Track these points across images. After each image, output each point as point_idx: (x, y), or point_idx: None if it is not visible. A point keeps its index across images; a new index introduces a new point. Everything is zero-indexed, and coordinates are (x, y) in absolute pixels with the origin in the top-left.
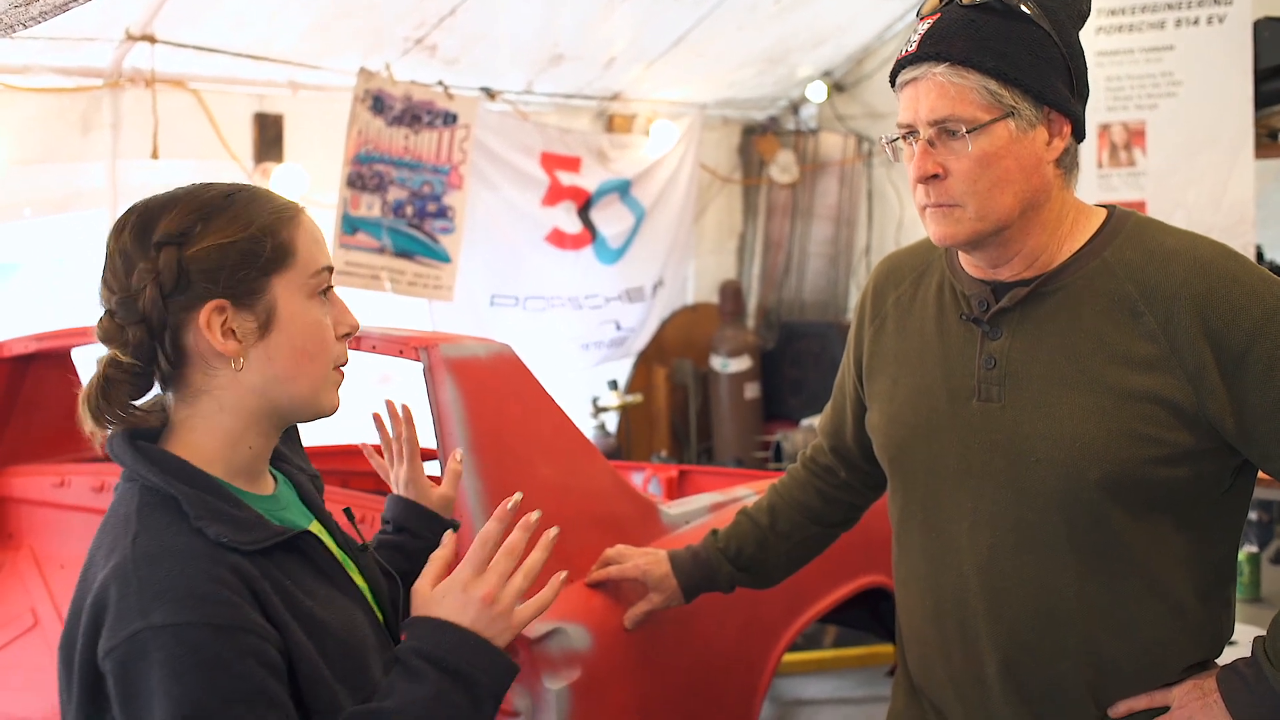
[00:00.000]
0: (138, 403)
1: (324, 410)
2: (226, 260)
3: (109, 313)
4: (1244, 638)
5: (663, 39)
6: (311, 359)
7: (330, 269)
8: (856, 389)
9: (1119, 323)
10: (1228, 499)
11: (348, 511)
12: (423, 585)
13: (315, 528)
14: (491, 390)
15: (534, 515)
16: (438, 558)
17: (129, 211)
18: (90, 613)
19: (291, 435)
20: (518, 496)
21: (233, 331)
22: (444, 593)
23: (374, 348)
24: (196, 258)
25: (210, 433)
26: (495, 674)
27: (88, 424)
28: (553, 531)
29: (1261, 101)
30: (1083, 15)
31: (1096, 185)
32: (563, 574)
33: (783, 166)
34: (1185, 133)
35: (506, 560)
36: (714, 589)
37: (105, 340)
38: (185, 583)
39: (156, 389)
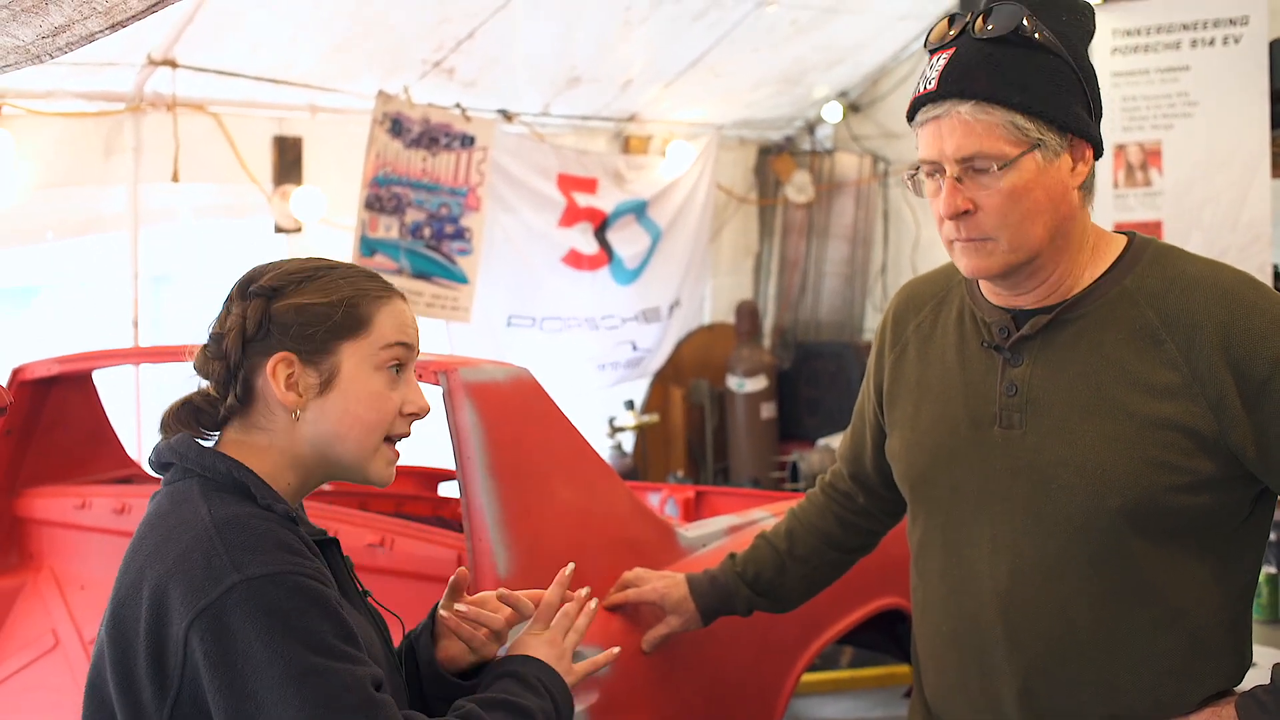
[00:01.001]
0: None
1: (372, 479)
2: (303, 318)
3: (205, 345)
4: (1264, 659)
5: (679, 60)
6: (362, 425)
7: (407, 346)
8: (877, 416)
9: (1140, 350)
10: (1247, 527)
11: (347, 560)
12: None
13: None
14: (510, 414)
15: (572, 580)
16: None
17: (251, 268)
18: (156, 594)
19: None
20: (571, 566)
21: (296, 384)
22: (521, 642)
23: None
24: (280, 311)
25: (257, 458)
26: (566, 701)
27: (161, 433)
28: (583, 592)
29: (1277, 121)
30: (1090, 33)
31: (1113, 205)
32: (615, 649)
33: (799, 187)
34: (1201, 153)
35: (564, 620)
36: (731, 613)
37: (197, 369)
38: (273, 538)
39: None
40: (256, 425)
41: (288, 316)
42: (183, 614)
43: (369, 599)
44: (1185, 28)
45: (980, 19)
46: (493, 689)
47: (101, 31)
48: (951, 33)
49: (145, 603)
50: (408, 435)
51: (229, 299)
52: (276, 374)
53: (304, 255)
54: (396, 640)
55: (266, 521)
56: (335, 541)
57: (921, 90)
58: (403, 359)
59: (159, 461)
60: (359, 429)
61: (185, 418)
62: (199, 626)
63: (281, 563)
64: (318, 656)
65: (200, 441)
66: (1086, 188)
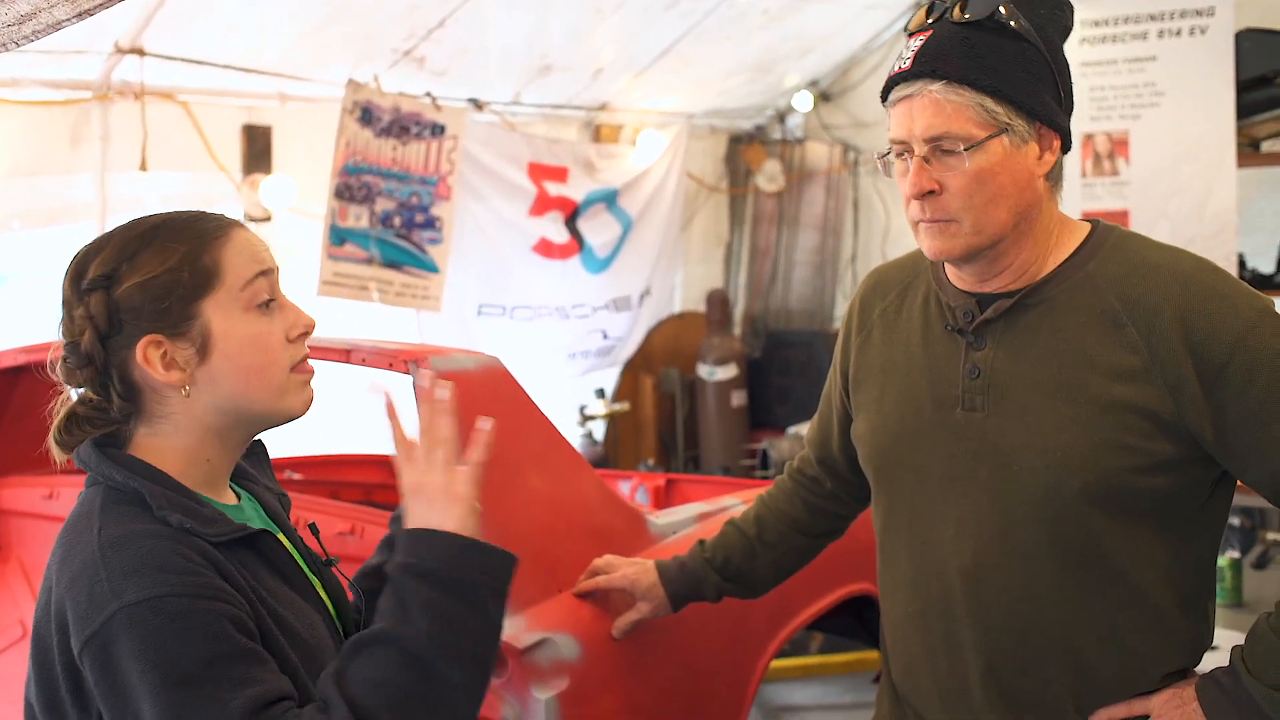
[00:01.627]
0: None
1: (292, 413)
2: (150, 295)
3: (63, 359)
4: (1226, 643)
5: (650, 49)
6: (260, 372)
7: (266, 273)
8: (843, 400)
9: (1101, 334)
10: (1207, 509)
11: (312, 526)
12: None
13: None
14: (481, 403)
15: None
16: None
17: (73, 257)
18: (59, 615)
19: (259, 455)
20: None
21: (174, 361)
22: (410, 505)
23: (364, 361)
24: (123, 298)
25: (169, 449)
26: (491, 571)
27: (57, 454)
28: (487, 424)
29: (1243, 111)
30: (1068, 29)
31: (1080, 195)
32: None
33: (769, 176)
34: (1168, 142)
35: (439, 450)
36: (701, 599)
37: (68, 382)
38: (154, 560)
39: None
40: (157, 415)
41: (134, 299)
42: (76, 640)
43: (333, 568)
44: (1152, 18)
45: (959, 5)
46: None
47: (68, 20)
48: (930, 19)
49: (54, 625)
50: (308, 355)
51: (65, 300)
52: (149, 359)
53: (123, 223)
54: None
55: (155, 539)
56: (265, 533)
57: (896, 69)
58: (268, 289)
59: (77, 467)
60: (257, 378)
61: (77, 431)
62: (88, 654)
63: (160, 585)
64: (185, 689)
65: (103, 448)
66: (1053, 178)
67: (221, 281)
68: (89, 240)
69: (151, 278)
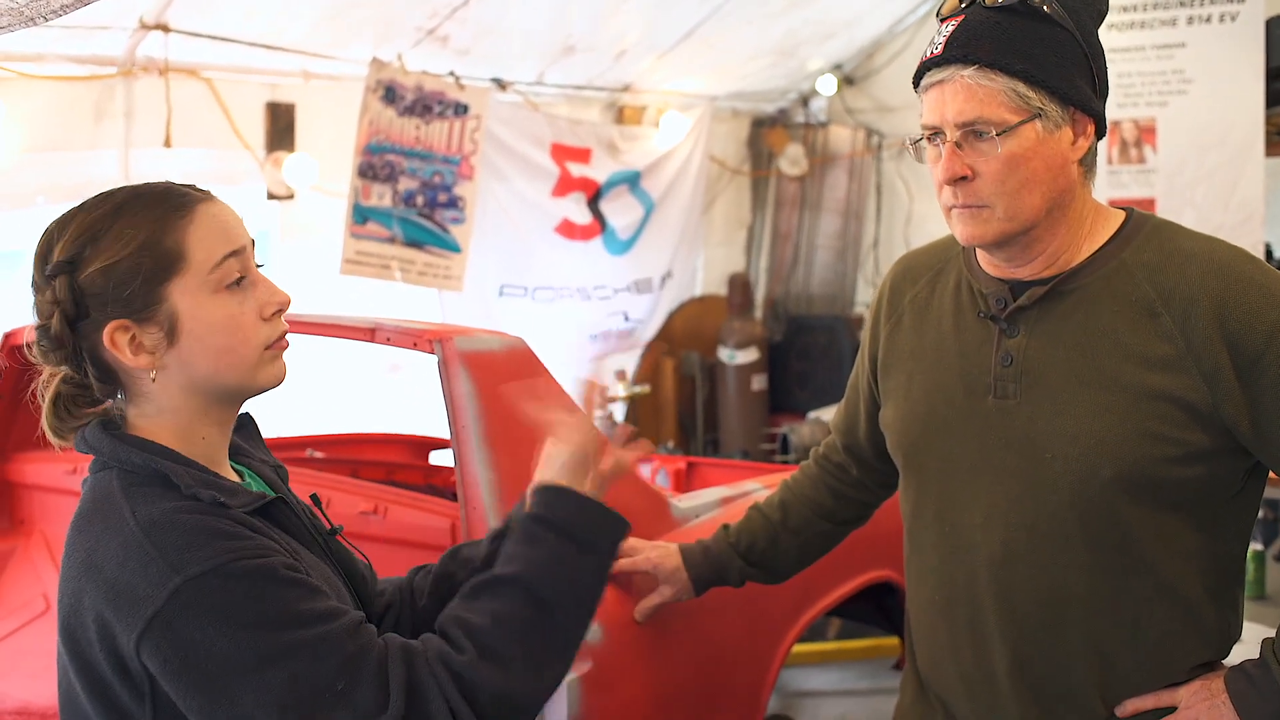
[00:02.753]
0: (94, 410)
1: (264, 387)
2: (113, 280)
3: (35, 340)
4: (1250, 636)
5: (674, 31)
6: (231, 352)
7: (237, 253)
8: (871, 387)
9: (1136, 323)
10: (1238, 501)
11: (314, 497)
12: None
13: None
14: (505, 383)
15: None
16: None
17: (41, 234)
18: (96, 608)
19: (248, 428)
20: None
21: (143, 345)
22: (552, 460)
23: (388, 340)
24: (87, 283)
25: (163, 429)
26: (609, 533)
27: (54, 440)
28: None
29: (1272, 100)
30: (1102, 14)
31: (1106, 182)
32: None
33: (792, 159)
34: (1196, 130)
35: (595, 421)
36: (724, 583)
37: (44, 363)
38: (204, 531)
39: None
40: (138, 394)
41: (97, 285)
42: (129, 628)
43: (339, 536)
44: (1182, 4)
45: None
46: (501, 558)
47: None
48: (963, 4)
49: (90, 620)
50: (285, 331)
51: (33, 282)
52: (117, 345)
53: (90, 198)
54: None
55: (194, 513)
56: (279, 499)
57: (928, 55)
58: (239, 267)
59: (82, 450)
60: (228, 358)
61: (67, 414)
62: (150, 638)
63: (221, 553)
64: (284, 632)
65: (112, 432)
66: (1087, 163)
67: (188, 264)
68: (54, 218)
69: (114, 263)
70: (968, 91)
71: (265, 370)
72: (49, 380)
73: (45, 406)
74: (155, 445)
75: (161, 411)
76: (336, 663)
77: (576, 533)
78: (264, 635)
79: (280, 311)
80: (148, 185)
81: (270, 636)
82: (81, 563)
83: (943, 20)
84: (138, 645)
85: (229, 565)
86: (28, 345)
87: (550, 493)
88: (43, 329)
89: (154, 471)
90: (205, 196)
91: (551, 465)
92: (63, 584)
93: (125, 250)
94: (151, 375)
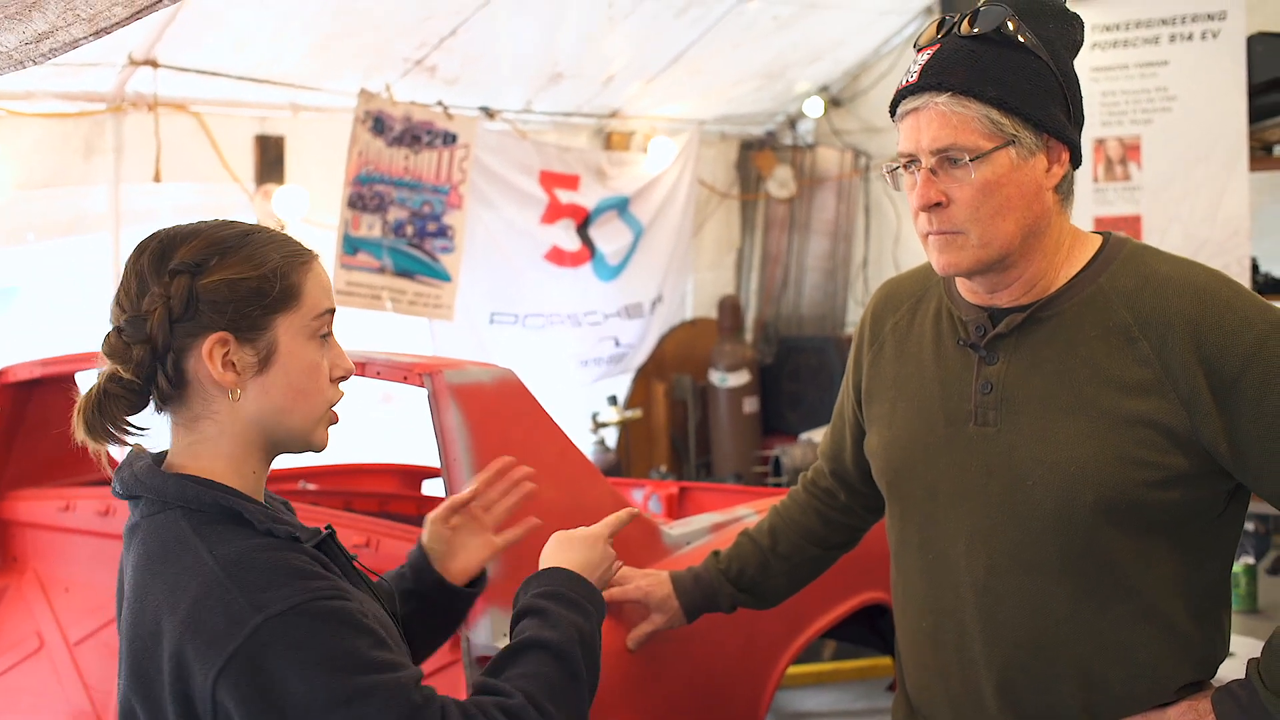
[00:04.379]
0: (132, 420)
1: (314, 446)
2: (236, 295)
3: (117, 329)
4: (1242, 650)
5: (661, 56)
6: (306, 397)
7: (330, 311)
8: (855, 413)
9: (1114, 348)
10: (1221, 522)
11: (328, 528)
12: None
13: None
14: (495, 415)
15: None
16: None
17: (152, 236)
18: (179, 647)
19: None
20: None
21: (233, 364)
22: (559, 542)
23: (378, 374)
24: (208, 289)
25: (217, 457)
26: (596, 599)
27: (80, 433)
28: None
29: (1256, 115)
30: (1077, 44)
31: (1092, 200)
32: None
33: (780, 181)
34: (1180, 147)
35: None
36: (715, 610)
37: (110, 355)
38: (285, 570)
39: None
40: (198, 414)
41: (219, 294)
42: (207, 666)
43: (355, 563)
44: (1164, 23)
45: (967, 19)
46: (514, 634)
47: (85, 38)
48: (940, 34)
49: (166, 658)
50: (342, 397)
51: (139, 274)
52: (212, 355)
53: (211, 219)
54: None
55: (273, 551)
56: (332, 533)
57: (904, 83)
58: (329, 324)
59: (127, 492)
60: (304, 402)
61: (111, 413)
62: (228, 676)
63: (301, 592)
64: (358, 676)
65: (166, 470)
66: (1064, 191)
67: (300, 304)
68: (168, 226)
69: (241, 279)
70: (941, 119)
71: (320, 430)
72: (100, 378)
73: (87, 400)
74: (219, 484)
75: (221, 435)
76: (403, 712)
77: (576, 599)
78: (339, 678)
79: (345, 378)
80: (268, 227)
81: (345, 680)
82: (158, 605)
83: (919, 50)
84: (215, 683)
85: (309, 604)
86: (105, 337)
87: (548, 573)
88: (136, 320)
89: (224, 509)
90: (316, 255)
91: (553, 551)
92: (132, 628)
93: (254, 271)
94: (235, 394)
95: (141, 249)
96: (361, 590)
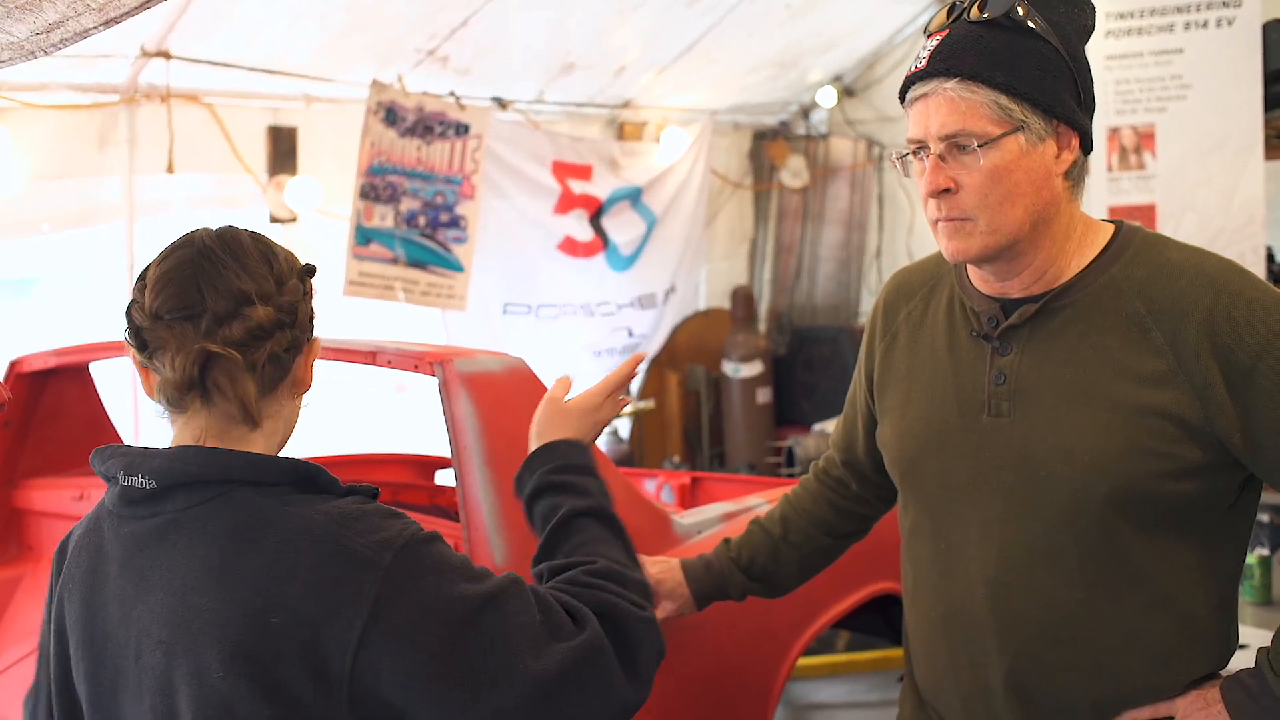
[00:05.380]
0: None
1: None
2: (311, 301)
3: (274, 307)
4: (1255, 641)
5: (673, 46)
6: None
7: None
8: (868, 403)
9: (1127, 338)
10: (1234, 513)
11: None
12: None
13: None
14: (506, 404)
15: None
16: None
17: (237, 232)
18: (310, 614)
19: None
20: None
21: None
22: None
23: (389, 362)
24: (310, 295)
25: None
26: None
27: (212, 421)
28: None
29: (1271, 103)
30: (1088, 30)
31: (1106, 189)
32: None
33: (794, 171)
34: (1195, 135)
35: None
36: (726, 598)
37: (261, 334)
38: (386, 513)
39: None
40: (269, 413)
41: (309, 300)
42: (351, 619)
43: None
44: (1179, 10)
45: (976, 4)
46: (539, 514)
47: (96, 28)
48: (949, 20)
49: (290, 624)
50: None
51: (270, 260)
52: (314, 357)
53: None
54: None
55: (364, 503)
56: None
57: (913, 69)
58: None
59: (167, 483)
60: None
61: (255, 386)
62: (377, 620)
63: (411, 525)
64: (482, 580)
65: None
66: (1074, 177)
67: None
68: (218, 226)
69: (311, 293)
70: (950, 104)
71: None
72: (262, 335)
73: (269, 358)
74: (297, 459)
75: (275, 434)
76: (525, 599)
77: (593, 470)
78: (472, 584)
79: None
80: None
81: (476, 585)
82: (263, 579)
83: (929, 35)
84: (362, 632)
85: (420, 533)
86: (258, 308)
87: (538, 454)
88: (290, 306)
89: (301, 475)
90: None
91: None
92: (212, 605)
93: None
94: (304, 399)
95: (243, 239)
96: None
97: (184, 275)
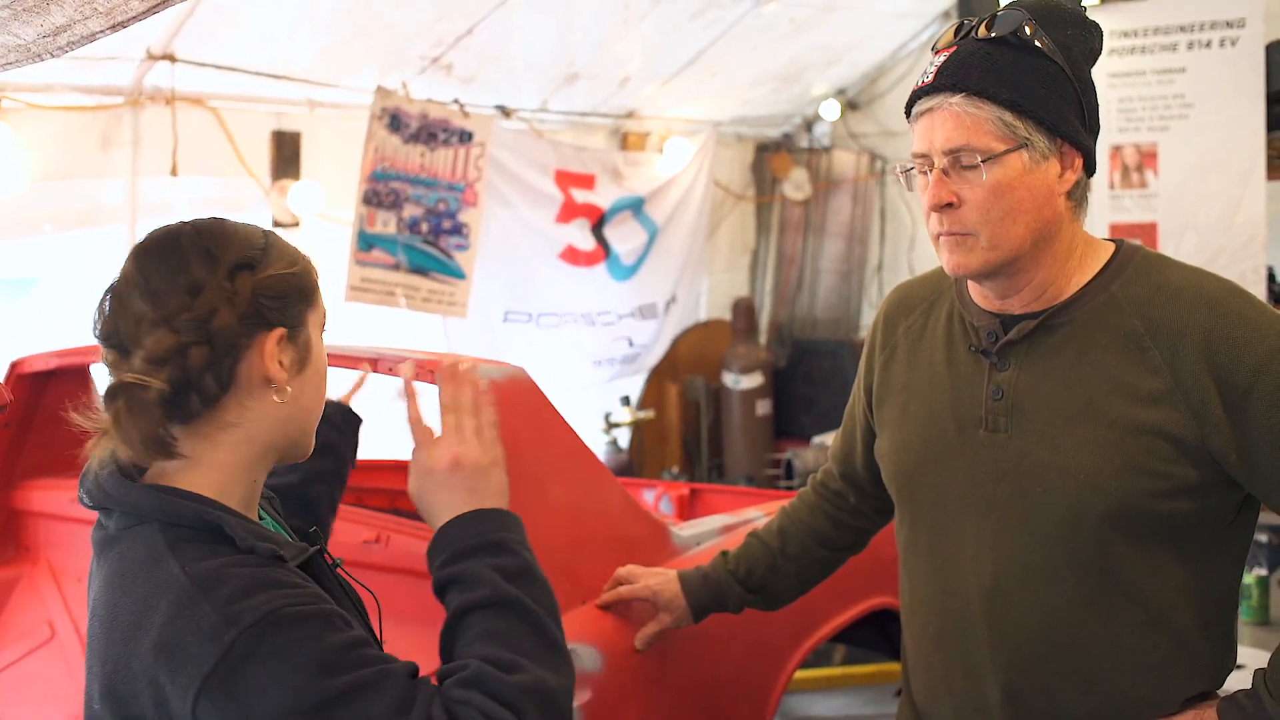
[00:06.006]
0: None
1: (309, 452)
2: (289, 290)
3: (170, 330)
4: (1253, 661)
5: (677, 57)
6: (323, 397)
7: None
8: (866, 416)
9: (1125, 357)
10: (1230, 533)
11: (315, 532)
12: (411, 489)
13: None
14: (506, 413)
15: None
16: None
17: (173, 231)
18: (153, 669)
19: None
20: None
21: (283, 363)
22: (420, 487)
23: (390, 370)
24: (266, 284)
25: (226, 466)
26: (508, 527)
27: (128, 450)
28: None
29: (1273, 123)
30: (1095, 53)
31: (1108, 206)
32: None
33: (796, 184)
34: (1197, 154)
35: (454, 417)
36: (723, 610)
37: (157, 360)
38: (259, 582)
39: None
40: (230, 421)
41: (275, 290)
42: (185, 688)
43: (339, 569)
44: (1182, 29)
45: (984, 23)
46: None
47: (102, 31)
48: (957, 37)
49: (143, 683)
50: None
51: (185, 270)
52: (273, 355)
53: (208, 217)
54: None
55: (250, 567)
56: (320, 549)
57: (919, 84)
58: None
59: (96, 504)
60: (321, 403)
61: (162, 421)
62: (208, 696)
63: (274, 600)
64: (344, 674)
65: (147, 484)
66: (1077, 198)
67: (318, 300)
68: (177, 222)
69: (291, 274)
70: (955, 119)
71: (314, 434)
72: (140, 387)
73: (133, 412)
74: (205, 498)
75: (246, 442)
76: (393, 697)
77: (491, 542)
78: (323, 680)
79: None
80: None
81: (322, 673)
82: (128, 625)
83: (936, 52)
84: (194, 706)
85: (283, 610)
86: (148, 341)
87: (445, 532)
88: (197, 322)
89: (206, 524)
90: None
91: (437, 497)
92: (102, 648)
93: (293, 267)
94: (283, 394)
95: (172, 245)
96: (346, 608)
97: (111, 295)
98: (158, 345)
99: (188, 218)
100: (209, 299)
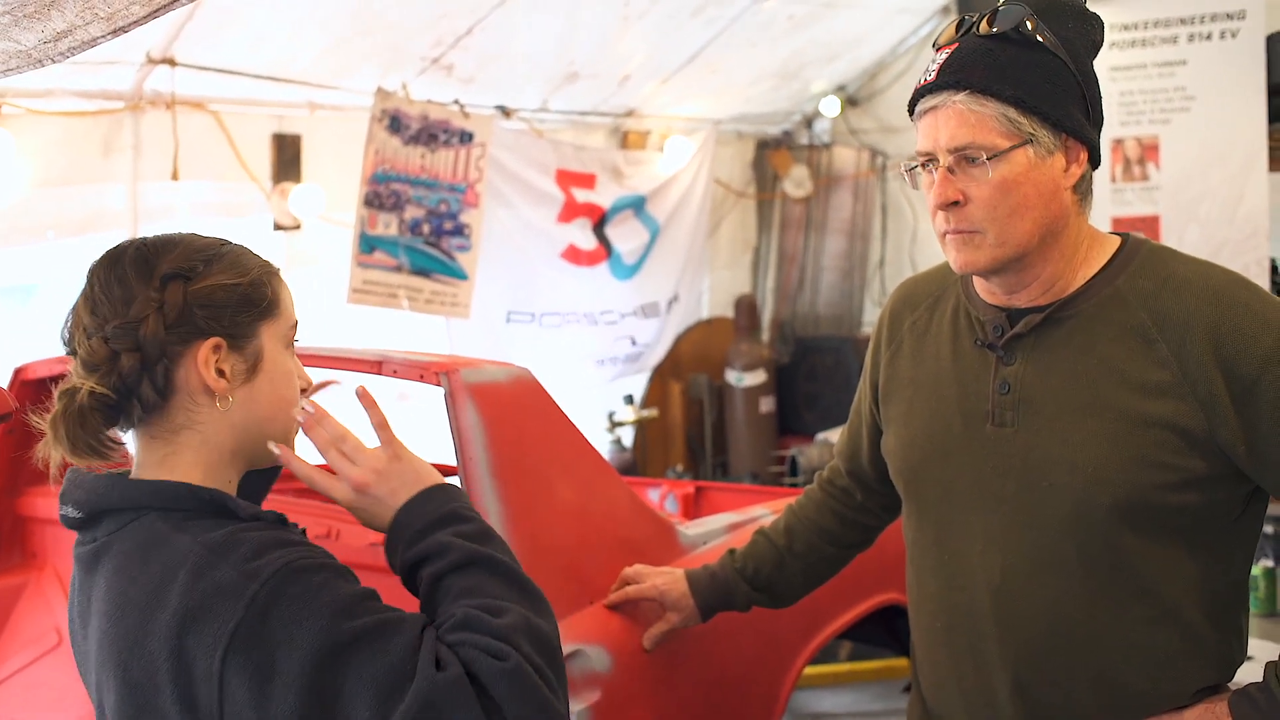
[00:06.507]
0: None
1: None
2: (228, 301)
3: (103, 337)
4: (1261, 653)
5: (677, 56)
6: (286, 406)
7: (296, 323)
8: (872, 412)
9: (1132, 350)
10: (1238, 525)
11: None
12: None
13: None
14: (511, 414)
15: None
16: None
17: (124, 244)
18: (175, 637)
19: None
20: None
21: (223, 371)
22: (362, 516)
23: (394, 372)
24: (201, 294)
25: (194, 465)
26: (454, 497)
27: (61, 450)
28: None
29: (1275, 115)
30: (1096, 45)
31: (1110, 200)
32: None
33: (797, 181)
34: (1198, 147)
35: (330, 453)
36: (731, 608)
37: (90, 367)
38: (271, 541)
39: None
40: (179, 424)
41: (212, 300)
42: (213, 647)
43: None
44: (1183, 22)
45: (986, 19)
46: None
47: (103, 36)
48: (959, 34)
49: (163, 658)
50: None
51: (121, 280)
52: (207, 362)
53: (178, 232)
54: None
55: (259, 530)
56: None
57: (922, 82)
58: (295, 335)
59: (88, 512)
60: (284, 409)
61: (93, 427)
62: (236, 652)
63: (289, 554)
64: (363, 616)
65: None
66: (1082, 191)
67: (279, 313)
68: (148, 237)
69: (232, 284)
70: (959, 117)
71: (292, 439)
72: (74, 391)
73: (65, 414)
74: (194, 485)
75: (204, 444)
76: (405, 639)
77: (443, 515)
78: (343, 622)
79: (307, 390)
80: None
81: (350, 621)
82: (143, 605)
83: (938, 49)
84: (223, 663)
85: (298, 562)
86: (83, 346)
87: (398, 523)
88: (125, 328)
89: (206, 502)
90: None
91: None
92: (118, 641)
93: (242, 278)
94: (225, 402)
95: (116, 256)
96: None
97: (72, 305)
98: (91, 352)
99: (190, 221)
100: (139, 308)
